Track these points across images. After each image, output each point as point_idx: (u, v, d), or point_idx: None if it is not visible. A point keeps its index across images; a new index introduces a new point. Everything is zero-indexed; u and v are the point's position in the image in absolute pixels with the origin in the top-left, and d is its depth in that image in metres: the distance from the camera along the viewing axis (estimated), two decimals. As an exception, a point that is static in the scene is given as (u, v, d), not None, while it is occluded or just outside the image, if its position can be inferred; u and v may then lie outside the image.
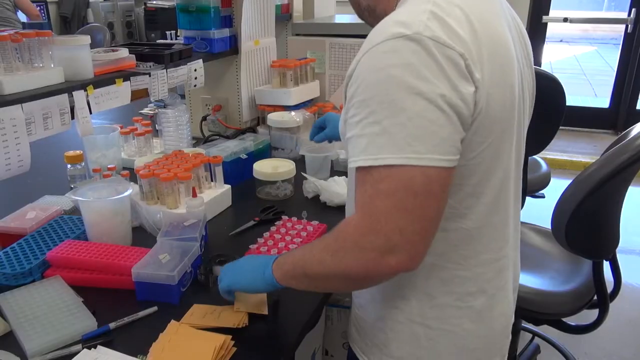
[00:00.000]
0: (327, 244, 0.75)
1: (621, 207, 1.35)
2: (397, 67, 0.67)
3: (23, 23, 4.34)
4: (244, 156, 1.56)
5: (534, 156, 2.24)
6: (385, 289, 0.86)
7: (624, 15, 4.46)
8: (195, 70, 1.64)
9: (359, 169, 0.70)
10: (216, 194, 1.37)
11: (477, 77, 0.69)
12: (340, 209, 1.38)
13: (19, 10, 4.34)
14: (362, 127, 0.69)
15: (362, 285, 0.84)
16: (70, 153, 1.45)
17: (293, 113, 1.78)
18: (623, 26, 4.47)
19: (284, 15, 2.18)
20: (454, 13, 0.70)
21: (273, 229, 1.24)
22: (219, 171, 1.39)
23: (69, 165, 1.46)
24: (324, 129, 1.37)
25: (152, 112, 1.96)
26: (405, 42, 0.67)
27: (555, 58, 9.30)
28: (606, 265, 1.42)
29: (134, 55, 1.42)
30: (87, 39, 1.24)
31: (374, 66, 0.68)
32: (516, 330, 1.67)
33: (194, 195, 1.22)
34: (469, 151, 0.73)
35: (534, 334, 2.08)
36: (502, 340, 0.91)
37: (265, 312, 0.96)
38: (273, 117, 1.74)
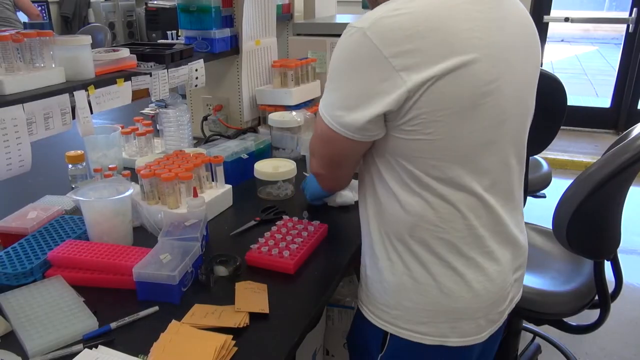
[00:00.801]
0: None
1: (622, 207, 1.35)
2: (342, 52, 0.85)
3: (24, 23, 4.34)
4: (245, 156, 1.56)
5: (535, 156, 2.24)
6: (384, 245, 0.95)
7: (625, 15, 4.46)
8: (196, 70, 1.64)
9: None
10: (217, 193, 1.37)
11: (403, 76, 0.78)
12: (342, 209, 1.38)
13: (19, 11, 4.34)
14: (325, 86, 0.91)
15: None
16: (71, 153, 1.45)
17: (294, 113, 1.78)
18: (624, 26, 4.47)
19: (284, 15, 2.18)
20: (413, 12, 0.78)
21: (274, 229, 1.24)
22: (219, 171, 1.39)
23: (70, 165, 1.46)
24: None
25: (153, 112, 1.96)
26: (355, 33, 0.81)
27: (556, 58, 9.30)
28: (607, 265, 1.42)
29: (135, 55, 1.42)
30: (88, 39, 1.24)
31: (337, 45, 0.86)
32: (517, 331, 1.67)
33: (195, 195, 1.22)
34: (424, 127, 0.82)
35: (535, 334, 2.08)
36: (488, 305, 0.95)
37: (267, 311, 0.96)
38: (274, 117, 1.74)
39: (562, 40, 10.84)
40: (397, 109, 0.81)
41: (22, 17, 4.41)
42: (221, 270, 1.09)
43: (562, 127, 1.85)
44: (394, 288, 0.94)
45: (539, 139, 1.84)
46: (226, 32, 1.77)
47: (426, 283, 0.92)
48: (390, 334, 0.97)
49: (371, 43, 0.79)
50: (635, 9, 4.31)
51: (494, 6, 0.85)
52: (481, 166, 0.88)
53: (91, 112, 1.24)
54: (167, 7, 4.90)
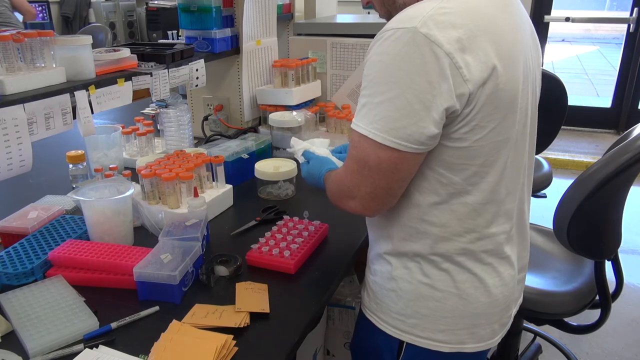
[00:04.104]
0: (331, 180, 0.96)
1: (623, 207, 1.34)
2: (387, 55, 0.77)
3: (24, 24, 4.34)
4: (246, 156, 1.56)
5: (536, 156, 2.23)
6: (398, 255, 0.94)
7: (626, 14, 4.46)
8: (196, 70, 1.64)
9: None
10: (218, 193, 1.37)
11: (464, 74, 0.75)
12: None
13: (16, 11, 4.33)
14: (360, 97, 0.82)
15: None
16: (72, 153, 1.45)
17: (294, 113, 1.78)
18: (625, 25, 4.47)
19: (285, 15, 2.18)
20: (458, 11, 0.76)
21: (274, 228, 1.24)
22: (220, 171, 1.39)
23: (70, 165, 1.46)
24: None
25: (153, 111, 1.96)
26: (402, 34, 0.75)
27: (557, 58, 9.30)
28: (608, 265, 1.42)
29: (135, 55, 1.42)
30: (88, 39, 1.24)
31: (375, 51, 0.79)
32: (518, 331, 1.67)
33: (196, 195, 1.22)
34: (473, 134, 0.81)
35: (536, 334, 2.08)
36: (502, 309, 0.96)
37: (267, 311, 0.96)
38: (274, 117, 1.74)
39: (562, 40, 10.84)
40: (461, 110, 0.77)
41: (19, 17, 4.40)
42: (222, 270, 1.09)
43: (562, 127, 1.85)
44: (410, 297, 0.93)
45: (539, 138, 1.83)
46: (227, 32, 1.77)
47: (446, 290, 0.91)
48: (407, 343, 0.96)
49: (428, 40, 0.74)
50: (636, 9, 4.30)
51: (515, 9, 0.86)
52: (509, 170, 0.88)
53: (92, 112, 1.25)
54: (168, 7, 4.91)
